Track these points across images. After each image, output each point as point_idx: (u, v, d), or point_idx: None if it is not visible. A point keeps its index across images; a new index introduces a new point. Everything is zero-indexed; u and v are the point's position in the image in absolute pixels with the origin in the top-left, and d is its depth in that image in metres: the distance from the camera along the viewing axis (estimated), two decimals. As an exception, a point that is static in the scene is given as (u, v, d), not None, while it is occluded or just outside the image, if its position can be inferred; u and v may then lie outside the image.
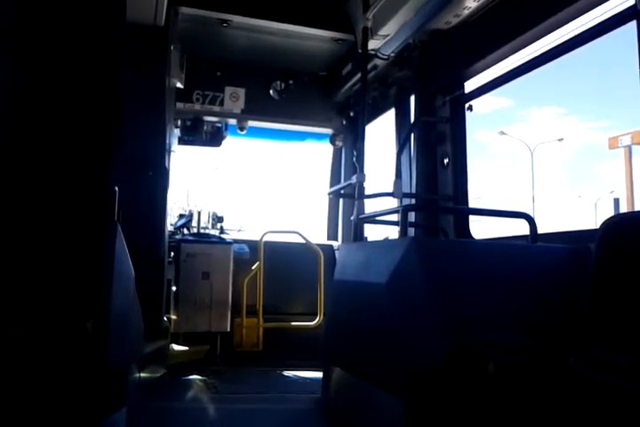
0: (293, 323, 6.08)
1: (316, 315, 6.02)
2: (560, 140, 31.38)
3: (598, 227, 2.61)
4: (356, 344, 3.61)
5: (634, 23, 3.07)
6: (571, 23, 3.63)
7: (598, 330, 2.40)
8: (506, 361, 2.49)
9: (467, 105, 4.84)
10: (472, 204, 4.95)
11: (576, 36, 3.64)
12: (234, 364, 5.63)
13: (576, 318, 2.53)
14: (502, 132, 30.97)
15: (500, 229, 4.60)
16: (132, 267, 2.92)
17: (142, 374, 3.62)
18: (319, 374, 4.40)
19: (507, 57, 4.26)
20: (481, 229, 4.77)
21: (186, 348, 5.55)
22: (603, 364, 1.96)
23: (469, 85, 4.79)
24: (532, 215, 3.53)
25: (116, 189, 2.45)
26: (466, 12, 4.47)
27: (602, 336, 2.37)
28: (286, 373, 5.44)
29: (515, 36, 3.99)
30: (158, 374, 4.64)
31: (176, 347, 5.45)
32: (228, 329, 5.76)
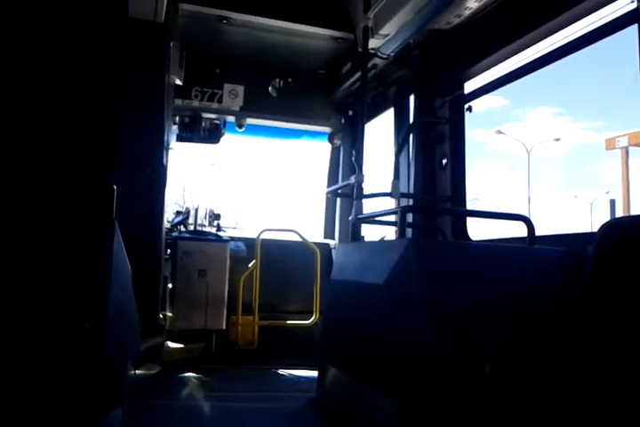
0: (289, 321, 6.09)
1: (312, 313, 6.03)
2: (557, 140, 31.37)
3: (596, 230, 2.62)
4: (352, 344, 3.62)
5: (635, 27, 3.07)
6: (572, 26, 3.64)
7: (595, 334, 2.41)
8: (502, 363, 2.49)
9: (466, 106, 4.84)
10: (470, 205, 4.95)
11: (577, 39, 3.63)
12: (229, 362, 5.63)
13: (573, 320, 2.53)
14: (499, 132, 30.99)
15: (498, 229, 4.60)
16: (128, 264, 2.91)
17: (138, 372, 3.62)
18: (314, 373, 4.40)
19: (507, 58, 4.26)
20: (478, 228, 4.78)
21: (181, 345, 5.54)
22: (599, 369, 1.97)
23: (469, 86, 4.80)
24: (529, 217, 3.54)
25: (114, 186, 2.44)
26: (467, 12, 4.45)
27: (598, 340, 2.37)
28: (281, 371, 5.45)
29: (516, 37, 3.98)
30: (153, 372, 4.64)
31: (171, 344, 5.44)
32: (224, 327, 5.76)
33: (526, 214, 3.66)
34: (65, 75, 2.13)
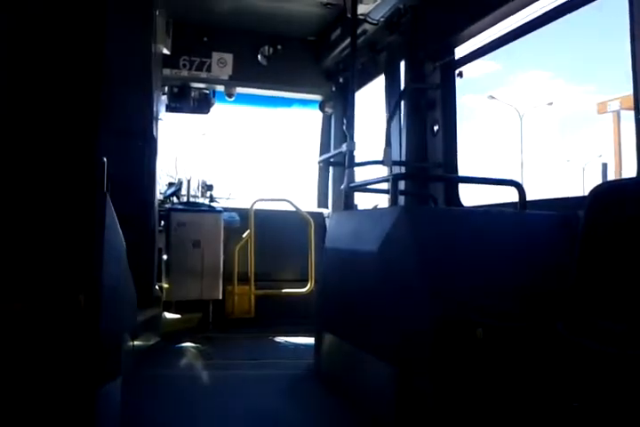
0: (285, 290, 6.14)
1: (308, 282, 6.08)
2: (549, 104, 31.14)
3: (587, 194, 2.62)
4: (348, 311, 3.66)
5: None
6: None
7: (585, 296, 2.44)
8: (494, 327, 2.53)
9: (457, 71, 4.80)
10: (462, 172, 4.95)
11: (569, 1, 3.59)
12: (226, 331, 5.70)
13: (564, 284, 2.56)
14: (491, 97, 30.73)
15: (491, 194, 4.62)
16: (122, 237, 2.91)
17: (136, 343, 3.65)
18: (311, 340, 4.46)
19: (498, 22, 4.21)
20: (471, 194, 4.79)
21: (178, 316, 5.60)
22: (589, 329, 2.00)
23: (460, 51, 4.74)
24: (520, 182, 3.55)
25: (105, 159, 2.43)
26: (457, -26, 4.38)
27: (589, 302, 2.41)
28: (278, 339, 5.51)
29: (506, 0, 3.92)
30: (151, 343, 4.69)
31: (168, 315, 5.49)
32: (220, 297, 5.81)
33: (519, 180, 3.66)
34: (46, 46, 2.09)
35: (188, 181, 6.53)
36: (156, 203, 5.17)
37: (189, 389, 3.78)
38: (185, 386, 3.84)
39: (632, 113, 3.02)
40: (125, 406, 2.62)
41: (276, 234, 6.24)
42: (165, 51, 5.73)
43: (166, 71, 6.17)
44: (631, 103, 3.01)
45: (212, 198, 6.71)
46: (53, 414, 2.10)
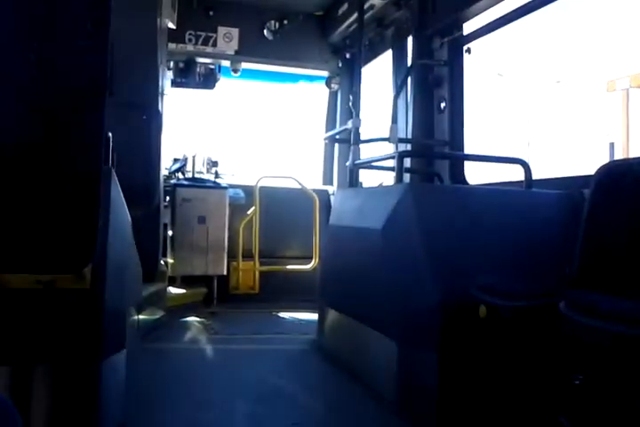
0: (289, 266, 6.17)
1: (312, 258, 6.10)
2: (558, 82, 30.74)
3: (593, 173, 2.61)
4: (351, 288, 3.68)
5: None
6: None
7: (588, 275, 2.45)
8: (498, 306, 2.54)
9: (465, 47, 4.74)
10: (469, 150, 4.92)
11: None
12: (231, 306, 5.74)
13: (569, 263, 2.57)
14: (500, 75, 30.35)
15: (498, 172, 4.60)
16: (127, 212, 2.92)
17: (141, 317, 3.69)
18: (314, 316, 4.50)
19: (508, -3, 4.14)
20: (478, 171, 4.77)
21: (183, 291, 5.64)
22: (591, 308, 2.01)
23: (468, 27, 4.68)
24: (526, 161, 3.53)
25: (110, 134, 2.42)
26: (467, -53, 4.30)
27: (592, 281, 2.41)
28: (282, 314, 5.56)
29: None
30: (157, 317, 4.73)
31: (173, 290, 5.53)
32: (225, 273, 5.84)
33: (525, 158, 3.64)
34: (50, 19, 2.07)
35: (194, 157, 6.50)
36: (162, 178, 5.17)
37: (193, 362, 3.83)
38: (189, 359, 3.89)
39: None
40: (130, 378, 2.65)
41: (280, 211, 6.25)
42: (171, 25, 5.67)
43: (172, 46, 6.11)
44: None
45: (217, 175, 6.70)
46: (59, 384, 2.13)
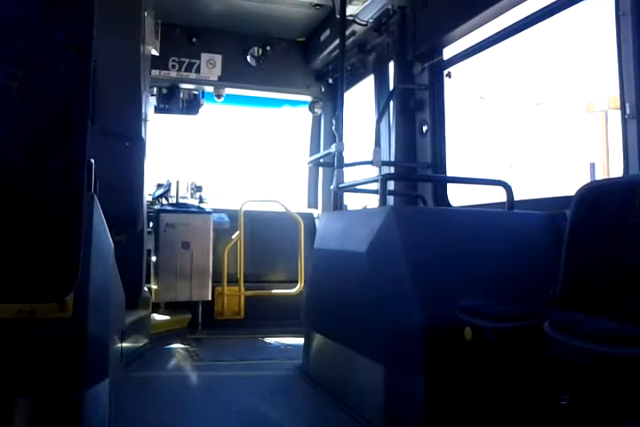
0: (274, 291, 6.14)
1: (297, 282, 6.07)
2: (538, 104, 31.23)
3: (574, 193, 2.64)
4: (337, 311, 3.66)
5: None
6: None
7: (572, 294, 2.46)
8: (482, 327, 2.53)
9: (445, 72, 4.82)
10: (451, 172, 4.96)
11: (556, 2, 3.61)
12: (216, 332, 5.68)
13: (552, 283, 2.58)
14: (481, 98, 30.79)
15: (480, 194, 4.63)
16: (110, 238, 2.90)
17: (124, 345, 3.64)
18: (300, 341, 4.46)
19: (486, 23, 4.23)
20: (461, 193, 4.81)
21: (167, 317, 5.58)
22: (575, 328, 2.01)
23: (448, 52, 4.77)
24: (508, 183, 3.56)
25: (92, 160, 2.41)
26: (445, -24, 4.40)
27: (576, 300, 2.42)
28: (268, 340, 5.51)
29: (494, 1, 3.95)
30: (140, 344, 4.67)
31: (157, 316, 5.47)
32: (210, 298, 5.80)
33: (508, 180, 3.68)
34: (35, 43, 2.07)
35: (177, 182, 6.49)
36: (145, 204, 5.15)
37: (178, 390, 3.76)
38: (174, 387, 3.83)
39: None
40: (113, 408, 2.60)
41: (265, 235, 6.24)
42: (154, 52, 5.71)
43: (155, 72, 6.15)
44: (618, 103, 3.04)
45: (201, 199, 6.68)
46: (40, 416, 2.09)
